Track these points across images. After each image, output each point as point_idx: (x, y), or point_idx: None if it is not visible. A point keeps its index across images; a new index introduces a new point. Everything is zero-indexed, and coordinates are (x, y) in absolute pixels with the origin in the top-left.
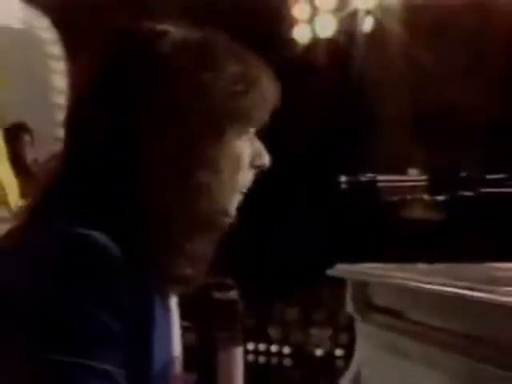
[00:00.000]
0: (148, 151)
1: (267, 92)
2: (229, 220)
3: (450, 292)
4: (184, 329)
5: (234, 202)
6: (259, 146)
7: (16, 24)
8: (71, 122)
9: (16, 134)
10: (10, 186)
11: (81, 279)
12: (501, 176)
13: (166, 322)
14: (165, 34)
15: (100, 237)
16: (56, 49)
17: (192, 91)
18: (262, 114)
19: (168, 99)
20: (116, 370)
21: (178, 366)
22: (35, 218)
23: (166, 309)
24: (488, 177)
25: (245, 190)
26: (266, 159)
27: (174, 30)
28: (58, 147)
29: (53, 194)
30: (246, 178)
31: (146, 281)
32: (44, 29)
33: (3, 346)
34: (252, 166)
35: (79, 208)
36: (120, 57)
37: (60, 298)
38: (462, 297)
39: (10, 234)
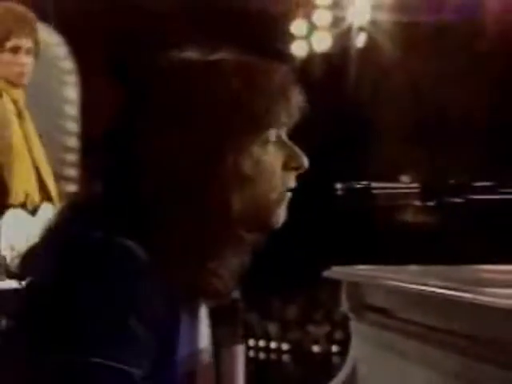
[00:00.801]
0: (173, 164)
1: (281, 96)
2: (274, 226)
3: (440, 293)
4: None
5: (272, 209)
6: (292, 148)
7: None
8: (108, 142)
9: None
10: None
11: (112, 283)
12: (487, 183)
13: (192, 330)
14: (199, 57)
15: (131, 244)
16: (68, 63)
17: (200, 106)
18: (280, 117)
19: (198, 113)
20: (137, 371)
21: (204, 360)
22: (72, 223)
23: (194, 317)
24: (475, 184)
25: (286, 193)
26: (302, 160)
27: (200, 53)
28: (69, 156)
29: (90, 205)
30: (281, 181)
31: (173, 290)
32: (56, 45)
33: (30, 345)
34: (288, 168)
35: (115, 219)
36: (151, 83)
37: (91, 301)
38: (451, 297)
39: (46, 233)
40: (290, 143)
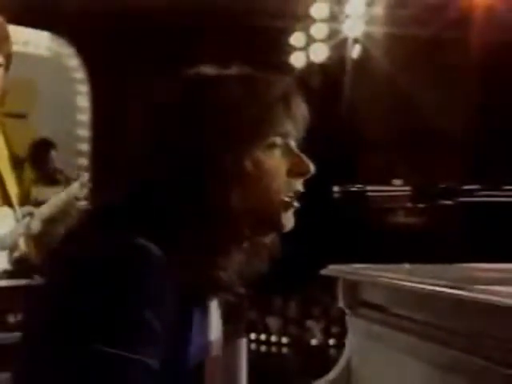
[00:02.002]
0: (184, 165)
1: (283, 104)
2: (281, 229)
3: (431, 290)
4: None
5: (277, 211)
6: (298, 155)
7: (45, 53)
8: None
9: (43, 147)
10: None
11: (132, 281)
12: (475, 187)
13: (202, 323)
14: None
15: (149, 245)
16: (80, 73)
17: (207, 113)
18: (282, 125)
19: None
20: (154, 362)
21: (214, 351)
22: (95, 225)
23: (205, 311)
24: (464, 187)
25: (293, 198)
26: (308, 167)
27: (215, 69)
28: (80, 160)
29: (108, 209)
30: (288, 186)
31: (185, 285)
32: (69, 56)
33: (61, 338)
34: (293, 174)
35: (133, 222)
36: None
37: (113, 299)
38: (442, 294)
39: (70, 234)
40: (296, 150)
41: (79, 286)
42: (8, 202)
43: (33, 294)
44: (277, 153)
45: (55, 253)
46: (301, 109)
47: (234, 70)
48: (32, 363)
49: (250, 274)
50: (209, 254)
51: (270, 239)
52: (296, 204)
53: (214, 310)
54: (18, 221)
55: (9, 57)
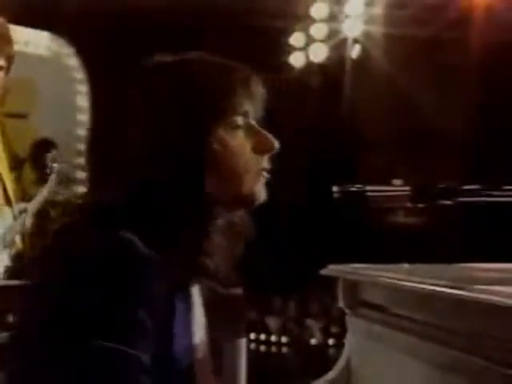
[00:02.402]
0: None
1: (243, 84)
2: (255, 203)
3: (431, 290)
4: None
5: (248, 186)
6: (261, 133)
7: (45, 53)
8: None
9: (44, 147)
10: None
11: (116, 275)
12: (475, 187)
13: (187, 310)
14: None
15: (133, 239)
16: (79, 73)
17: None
18: (242, 104)
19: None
20: (144, 356)
21: (201, 352)
22: (79, 221)
23: (188, 297)
24: (464, 187)
25: (261, 174)
26: (272, 144)
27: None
28: (80, 159)
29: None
30: (254, 162)
31: (169, 273)
32: (69, 56)
33: (59, 333)
34: (258, 151)
35: (114, 217)
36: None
37: (101, 294)
38: (442, 294)
39: (60, 231)
40: (258, 128)
41: (67, 283)
42: (8, 202)
43: (24, 293)
44: (240, 132)
45: (45, 250)
46: (259, 89)
47: (191, 56)
48: (25, 362)
49: (230, 258)
50: (191, 240)
51: (241, 217)
52: (265, 176)
53: (199, 307)
54: (15, 218)
55: (10, 59)
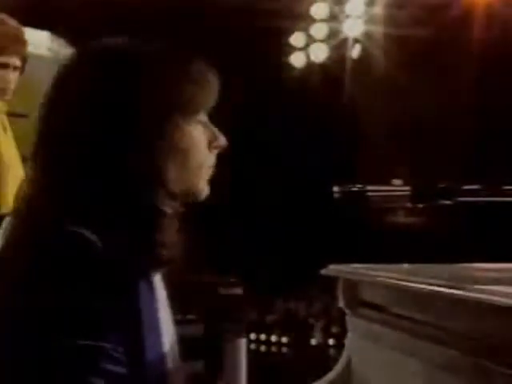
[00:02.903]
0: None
1: (205, 81)
2: (200, 198)
3: (431, 289)
4: (192, 321)
5: (198, 181)
6: (213, 129)
7: (46, 53)
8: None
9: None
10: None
11: (71, 271)
12: (475, 187)
13: (151, 300)
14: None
15: (84, 232)
16: None
17: (145, 88)
18: (206, 100)
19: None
20: (116, 348)
21: (173, 362)
22: (33, 215)
23: (151, 287)
24: (464, 187)
25: (209, 170)
26: (223, 141)
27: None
28: None
29: (37, 200)
30: (206, 158)
31: (128, 265)
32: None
33: (29, 335)
34: (211, 147)
35: (67, 206)
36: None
37: (56, 289)
38: (441, 294)
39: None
40: (211, 125)
41: (25, 282)
42: None
43: None
44: (199, 127)
45: (4, 247)
46: (216, 84)
47: (157, 46)
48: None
49: (181, 244)
50: (145, 231)
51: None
52: (209, 174)
53: (163, 303)
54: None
55: (24, 60)
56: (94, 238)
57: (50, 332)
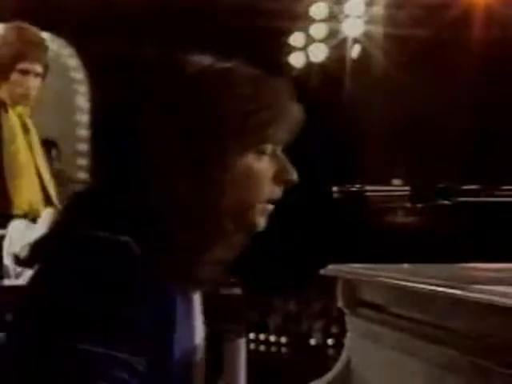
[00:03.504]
0: (166, 161)
1: (285, 112)
2: (255, 229)
3: (430, 289)
4: None
5: (255, 214)
6: (284, 162)
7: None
8: (101, 142)
9: (45, 147)
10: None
11: (110, 277)
12: (474, 187)
13: (187, 314)
14: (191, 62)
15: (128, 240)
16: (79, 74)
17: (206, 110)
18: (279, 133)
19: (186, 116)
20: (137, 359)
21: (199, 354)
22: (67, 226)
23: (188, 302)
24: (463, 187)
25: (270, 204)
26: (292, 175)
27: (200, 59)
28: (80, 160)
29: (79, 204)
30: (269, 191)
31: (168, 280)
32: (69, 56)
33: (42, 337)
34: (277, 181)
35: (106, 215)
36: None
37: (91, 295)
38: (441, 293)
39: (54, 228)
40: (283, 157)
41: (59, 285)
42: (50, 203)
43: (20, 293)
44: (266, 158)
45: (38, 249)
46: (297, 116)
47: (239, 67)
48: (16, 363)
49: (224, 266)
50: (191, 251)
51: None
52: (271, 207)
53: (198, 314)
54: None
55: (46, 66)
56: (136, 248)
57: (71, 336)
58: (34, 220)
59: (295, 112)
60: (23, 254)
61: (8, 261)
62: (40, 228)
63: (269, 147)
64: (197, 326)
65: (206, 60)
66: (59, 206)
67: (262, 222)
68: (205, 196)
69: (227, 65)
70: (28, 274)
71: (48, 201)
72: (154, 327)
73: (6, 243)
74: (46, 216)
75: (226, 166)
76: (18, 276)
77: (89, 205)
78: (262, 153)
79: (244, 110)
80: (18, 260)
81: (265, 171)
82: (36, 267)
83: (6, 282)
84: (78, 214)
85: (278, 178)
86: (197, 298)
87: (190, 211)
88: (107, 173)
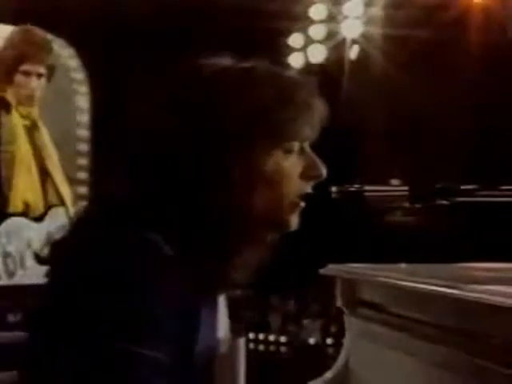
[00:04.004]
0: (196, 163)
1: (308, 108)
2: (288, 229)
3: (429, 289)
4: None
5: (286, 212)
6: (312, 158)
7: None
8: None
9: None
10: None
11: (138, 276)
12: (473, 187)
13: (211, 315)
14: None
15: (157, 238)
16: (79, 74)
17: (230, 111)
18: (304, 130)
19: (211, 117)
20: (164, 358)
21: (223, 348)
22: (106, 220)
23: (213, 304)
24: (461, 187)
25: (301, 200)
26: (321, 171)
27: (219, 60)
28: (80, 160)
29: (109, 201)
30: (299, 188)
31: (196, 282)
32: (69, 57)
33: (70, 336)
34: (305, 177)
35: (138, 215)
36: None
37: (119, 293)
38: (439, 293)
39: (78, 228)
40: (311, 153)
41: (89, 283)
42: (61, 202)
43: (45, 291)
44: (293, 156)
45: (61, 247)
46: (321, 112)
47: (259, 66)
48: (40, 363)
49: (254, 269)
50: (221, 254)
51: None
52: (302, 204)
53: (223, 307)
54: (70, 219)
55: (51, 68)
56: (166, 247)
57: (100, 335)
58: (37, 219)
59: (319, 107)
60: (43, 252)
61: None
62: (43, 227)
63: (296, 144)
64: (221, 321)
65: (225, 61)
66: (71, 207)
67: (294, 220)
68: (232, 198)
69: (247, 64)
70: (20, 273)
71: (59, 199)
72: (180, 326)
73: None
74: (56, 214)
75: (252, 166)
76: (10, 276)
77: (116, 207)
78: (289, 151)
79: (267, 108)
80: (38, 258)
81: (293, 169)
82: (59, 266)
83: None
84: (103, 216)
85: (306, 174)
86: (222, 304)
87: (218, 214)
88: (133, 175)
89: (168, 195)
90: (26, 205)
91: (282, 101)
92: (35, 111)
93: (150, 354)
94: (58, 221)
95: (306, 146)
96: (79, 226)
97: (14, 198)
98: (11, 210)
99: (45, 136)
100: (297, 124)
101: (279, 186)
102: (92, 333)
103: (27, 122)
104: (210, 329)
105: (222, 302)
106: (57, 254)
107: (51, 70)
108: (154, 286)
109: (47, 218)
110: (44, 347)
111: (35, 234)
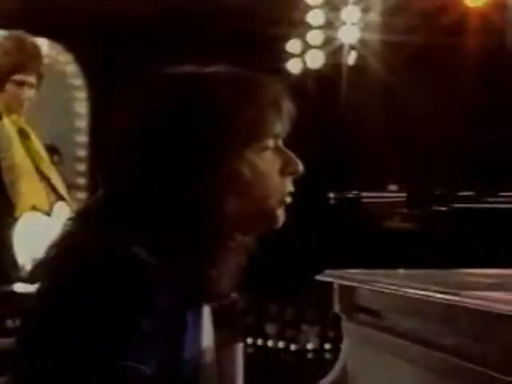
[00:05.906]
0: (181, 169)
1: (273, 106)
2: (275, 226)
3: (426, 295)
4: None
5: (271, 210)
6: (288, 155)
7: (45, 60)
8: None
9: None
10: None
11: (120, 288)
12: (470, 193)
13: (196, 326)
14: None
15: (138, 251)
16: (78, 80)
17: (198, 113)
18: (273, 127)
19: (208, 124)
20: (146, 369)
21: (208, 357)
22: (89, 230)
23: (197, 317)
24: (459, 194)
25: (284, 197)
26: (297, 166)
27: (197, 67)
28: (79, 166)
29: (96, 212)
30: (279, 185)
31: (179, 294)
32: (67, 63)
33: (53, 346)
34: (284, 174)
35: (121, 225)
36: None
37: (101, 305)
38: (437, 299)
39: (63, 236)
40: (286, 150)
41: (72, 294)
42: (61, 197)
43: (29, 300)
44: (268, 154)
45: (51, 259)
46: (289, 109)
47: (222, 70)
48: (27, 370)
49: (237, 275)
50: (203, 263)
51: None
52: (287, 200)
53: (207, 315)
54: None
55: (41, 77)
56: (149, 259)
57: (85, 348)
58: (47, 214)
59: (286, 105)
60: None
61: (22, 258)
62: (55, 221)
63: (270, 142)
64: (205, 329)
65: (188, 68)
66: (71, 204)
67: (280, 216)
68: (206, 199)
69: (209, 70)
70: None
71: (58, 196)
72: (165, 338)
73: (18, 241)
74: (61, 210)
75: (226, 167)
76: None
77: (98, 217)
78: (263, 149)
79: (231, 109)
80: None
81: (270, 167)
82: (48, 280)
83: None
84: (87, 226)
85: (284, 171)
86: (207, 316)
87: (193, 215)
88: (117, 184)
89: (147, 207)
90: (35, 209)
91: (246, 101)
92: (23, 119)
93: (135, 366)
94: (63, 216)
95: (280, 142)
96: (62, 243)
97: (20, 202)
98: (18, 215)
99: (36, 142)
100: (265, 122)
101: (258, 186)
102: (77, 347)
103: (17, 129)
104: (195, 339)
105: (206, 311)
106: (43, 275)
107: (41, 79)
108: (138, 299)
109: (55, 214)
110: (28, 361)
111: (49, 229)
